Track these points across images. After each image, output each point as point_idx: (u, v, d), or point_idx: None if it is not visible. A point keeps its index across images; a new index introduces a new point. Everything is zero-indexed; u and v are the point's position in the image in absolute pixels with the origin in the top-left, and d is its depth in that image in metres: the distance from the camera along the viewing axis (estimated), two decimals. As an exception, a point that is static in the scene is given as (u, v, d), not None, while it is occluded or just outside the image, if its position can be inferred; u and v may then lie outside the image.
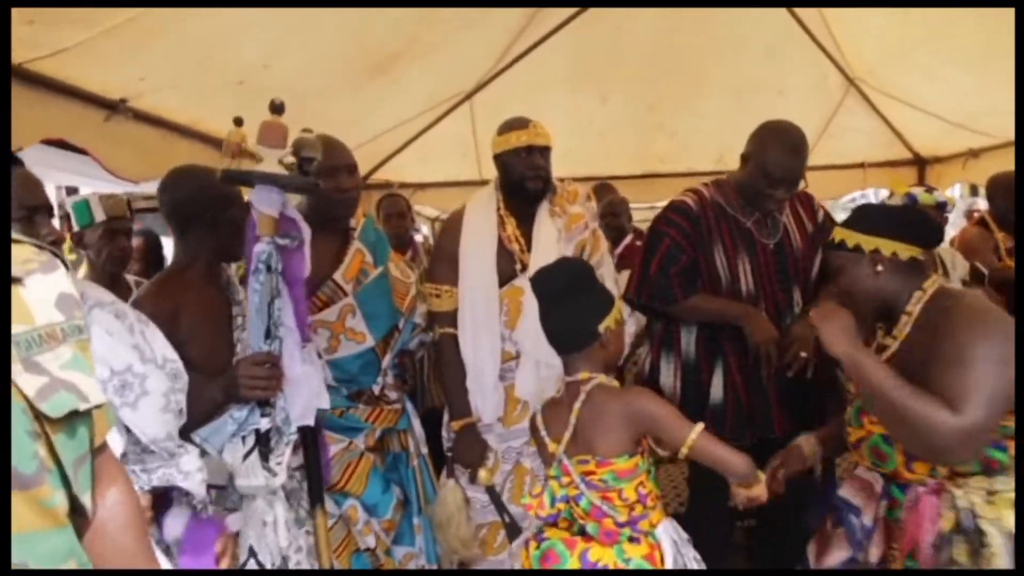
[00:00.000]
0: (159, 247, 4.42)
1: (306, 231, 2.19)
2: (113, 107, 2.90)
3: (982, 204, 9.12)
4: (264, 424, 2.13)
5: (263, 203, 2.10)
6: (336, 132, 2.77)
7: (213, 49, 3.01)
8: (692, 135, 5.58)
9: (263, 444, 2.13)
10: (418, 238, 4.87)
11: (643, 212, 8.06)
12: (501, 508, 2.86)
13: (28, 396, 0.95)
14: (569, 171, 5.47)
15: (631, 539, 2.07)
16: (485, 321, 2.84)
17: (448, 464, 2.93)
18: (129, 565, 1.13)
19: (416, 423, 2.98)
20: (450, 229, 2.96)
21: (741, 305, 2.87)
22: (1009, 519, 1.84)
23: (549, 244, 2.88)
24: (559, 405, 2.17)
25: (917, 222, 2.09)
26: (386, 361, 2.85)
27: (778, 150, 2.73)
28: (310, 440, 2.35)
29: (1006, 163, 5.08)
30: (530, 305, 2.82)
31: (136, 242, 3.83)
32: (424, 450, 3.00)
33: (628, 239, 4.76)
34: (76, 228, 3.23)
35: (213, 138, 3.53)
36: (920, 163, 5.83)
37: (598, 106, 5.26)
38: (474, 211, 2.93)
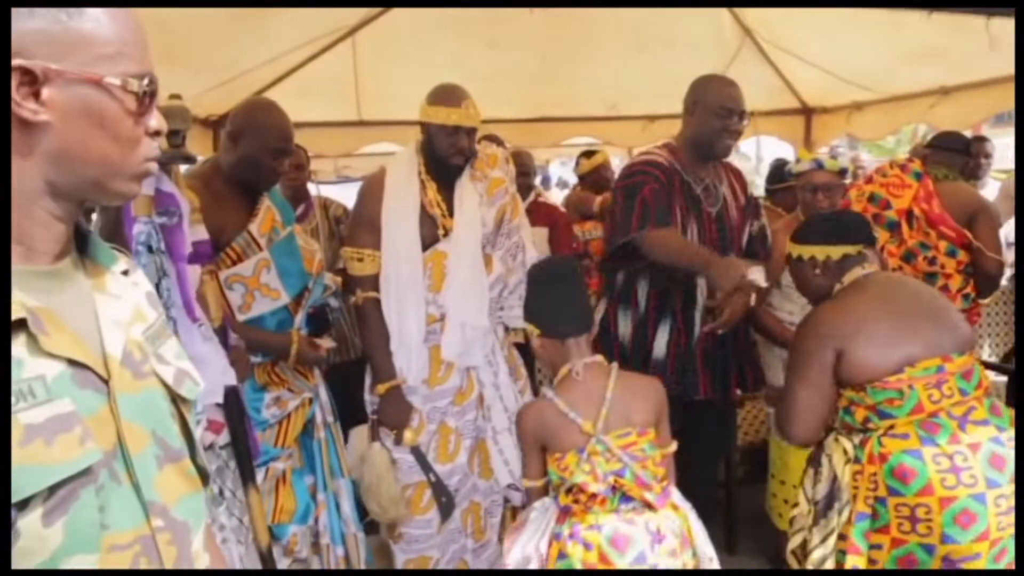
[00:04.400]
0: None
1: (185, 205, 2.11)
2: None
3: (864, 156, 9.69)
4: None
5: None
6: (206, 66, 2.53)
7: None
8: (584, 83, 5.49)
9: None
10: (313, 189, 4.53)
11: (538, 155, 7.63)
12: (427, 468, 2.89)
13: (168, 383, 1.10)
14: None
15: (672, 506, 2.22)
16: (409, 285, 2.84)
17: (372, 428, 2.93)
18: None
19: (323, 391, 2.89)
20: (371, 193, 2.92)
21: (708, 251, 2.88)
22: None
23: (471, 209, 2.90)
24: (580, 386, 2.24)
25: (843, 226, 2.44)
26: (298, 320, 2.79)
27: (719, 84, 3.00)
28: (234, 413, 2.26)
29: (885, 118, 5.40)
30: (455, 269, 2.84)
31: None
32: (330, 418, 2.89)
33: (532, 195, 4.66)
34: None
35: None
36: (807, 113, 6.02)
37: (486, 50, 5.05)
38: (395, 175, 2.91)
